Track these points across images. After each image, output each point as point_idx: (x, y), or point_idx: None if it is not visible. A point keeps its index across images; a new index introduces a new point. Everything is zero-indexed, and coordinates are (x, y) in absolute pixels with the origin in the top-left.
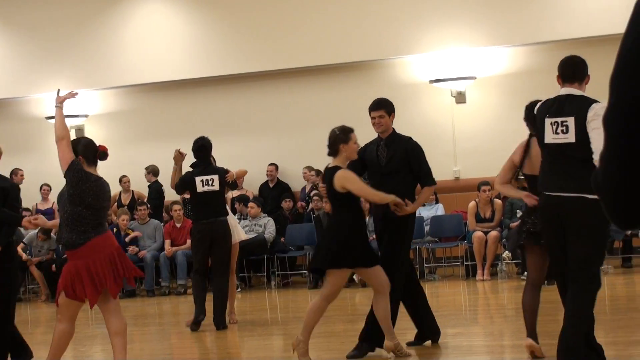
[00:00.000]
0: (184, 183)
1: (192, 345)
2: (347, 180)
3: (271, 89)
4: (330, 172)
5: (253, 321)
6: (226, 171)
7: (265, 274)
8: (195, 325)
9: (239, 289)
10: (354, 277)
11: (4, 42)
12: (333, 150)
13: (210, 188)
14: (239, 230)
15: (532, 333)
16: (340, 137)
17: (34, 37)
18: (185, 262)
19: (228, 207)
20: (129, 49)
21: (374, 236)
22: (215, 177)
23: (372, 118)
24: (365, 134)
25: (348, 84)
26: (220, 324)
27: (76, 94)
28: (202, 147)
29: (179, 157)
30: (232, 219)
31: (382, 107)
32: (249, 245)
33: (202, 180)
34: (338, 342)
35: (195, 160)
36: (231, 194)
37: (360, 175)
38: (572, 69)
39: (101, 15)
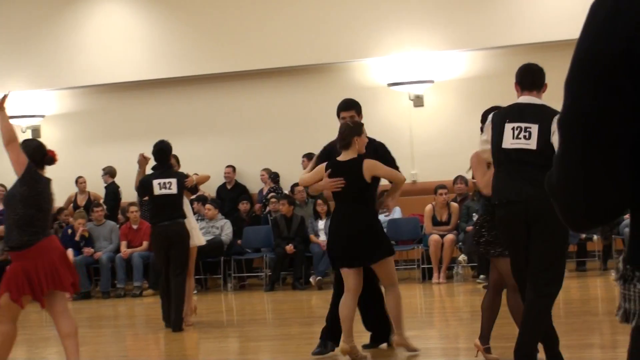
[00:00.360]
0: (142, 186)
1: (147, 347)
2: (377, 167)
3: (229, 90)
4: (353, 163)
5: (209, 323)
6: (186, 176)
7: (221, 276)
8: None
9: (195, 291)
10: (310, 279)
11: None
12: (345, 143)
13: (167, 191)
14: (199, 235)
15: (486, 335)
16: (355, 130)
17: None
18: (141, 264)
19: (190, 210)
20: (86, 49)
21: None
22: (173, 181)
23: (343, 118)
24: (322, 136)
25: (306, 87)
26: (177, 325)
27: (7, 94)
28: (161, 151)
29: (143, 160)
30: (192, 221)
31: (353, 108)
32: (205, 247)
33: (159, 184)
34: (294, 345)
35: (155, 163)
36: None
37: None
38: (532, 77)
39: (59, 15)
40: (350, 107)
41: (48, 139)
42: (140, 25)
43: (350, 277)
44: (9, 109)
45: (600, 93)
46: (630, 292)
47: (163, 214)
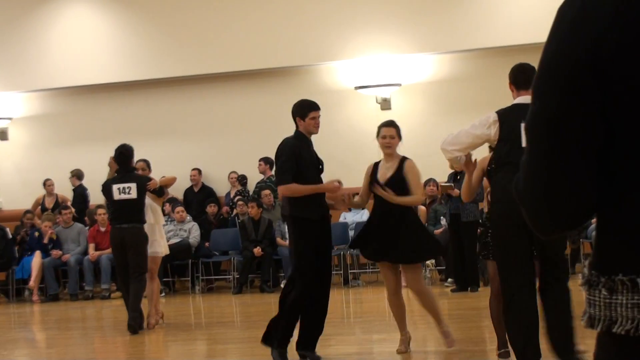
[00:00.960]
0: (103, 190)
1: (115, 349)
2: (415, 170)
3: (196, 93)
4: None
5: (177, 326)
6: (148, 179)
7: (189, 278)
8: (131, 327)
9: (163, 294)
10: (282, 284)
11: None
12: None
13: (127, 196)
14: (164, 244)
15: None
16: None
17: None
18: (109, 267)
19: (161, 217)
20: (54, 52)
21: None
22: (133, 186)
23: (313, 118)
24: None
25: (273, 90)
26: (133, 327)
27: None
28: (121, 155)
29: (113, 164)
30: (160, 231)
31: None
32: (173, 249)
33: (118, 188)
34: (262, 348)
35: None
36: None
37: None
38: (526, 76)
39: (26, 16)
40: (319, 107)
41: (15, 142)
42: (106, 28)
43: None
44: None
45: (567, 97)
46: (595, 298)
47: (122, 216)
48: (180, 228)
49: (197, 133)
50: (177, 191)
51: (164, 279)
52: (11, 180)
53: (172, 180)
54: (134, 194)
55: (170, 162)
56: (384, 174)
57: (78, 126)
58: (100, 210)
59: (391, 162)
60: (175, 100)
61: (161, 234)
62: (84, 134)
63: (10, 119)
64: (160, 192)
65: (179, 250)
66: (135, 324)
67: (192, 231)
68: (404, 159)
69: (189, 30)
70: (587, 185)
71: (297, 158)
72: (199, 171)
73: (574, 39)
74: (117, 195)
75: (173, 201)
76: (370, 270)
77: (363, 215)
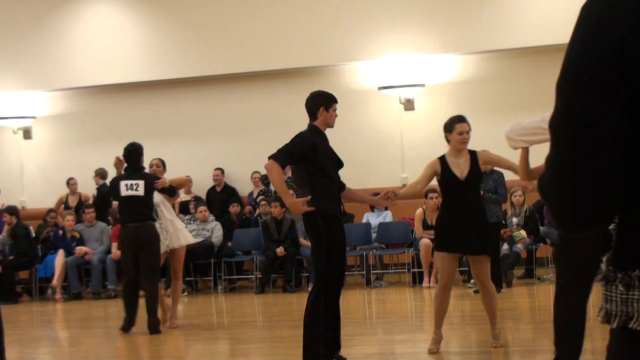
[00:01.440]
0: (110, 187)
1: (137, 348)
2: (490, 153)
3: (218, 93)
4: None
5: (199, 325)
6: (155, 177)
7: (212, 278)
8: (125, 330)
9: (185, 293)
10: (309, 287)
11: None
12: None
13: (134, 192)
14: (185, 234)
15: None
16: (446, 127)
17: None
18: None
19: (175, 212)
20: (77, 51)
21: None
22: (141, 182)
23: (335, 109)
24: None
25: (296, 90)
26: (154, 328)
27: None
28: (130, 153)
29: (119, 164)
30: (178, 222)
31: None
32: (196, 249)
33: (126, 185)
34: (284, 348)
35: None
36: (179, 200)
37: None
38: None
39: (50, 16)
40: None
41: (39, 141)
42: (129, 28)
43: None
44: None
45: (592, 95)
46: (611, 294)
47: (132, 214)
48: (203, 228)
49: (219, 133)
50: (199, 191)
51: (187, 279)
52: (35, 179)
53: (185, 181)
54: (141, 191)
55: (192, 161)
56: (461, 171)
57: (101, 125)
58: None
59: (462, 157)
60: (198, 100)
61: (181, 224)
62: (108, 132)
63: (34, 117)
64: (171, 191)
65: (201, 250)
66: (157, 324)
67: (215, 231)
68: (473, 152)
69: (211, 29)
70: (613, 185)
71: (314, 151)
72: (222, 171)
73: (598, 38)
74: (124, 192)
75: (198, 200)
76: (393, 271)
77: (387, 216)
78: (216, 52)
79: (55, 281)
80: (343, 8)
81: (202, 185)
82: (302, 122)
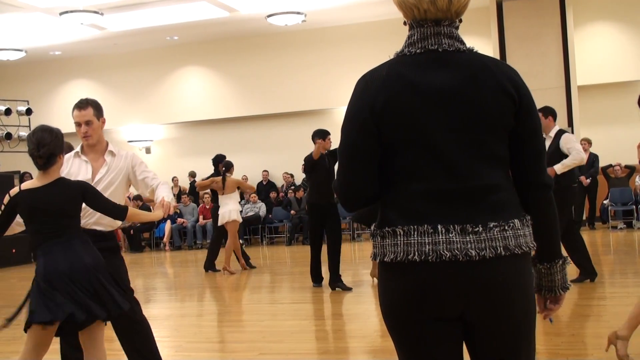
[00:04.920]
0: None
1: (216, 280)
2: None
3: (267, 125)
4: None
5: (251, 264)
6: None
7: (259, 236)
8: (206, 269)
9: (244, 244)
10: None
11: (100, 95)
12: None
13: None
14: (238, 215)
15: None
16: None
17: (119, 91)
18: (211, 229)
19: (237, 199)
20: (179, 99)
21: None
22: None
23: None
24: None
25: (315, 124)
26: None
27: None
28: (213, 161)
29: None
30: (236, 204)
31: None
32: (250, 219)
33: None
34: (306, 279)
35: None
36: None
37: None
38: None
39: (164, 76)
40: None
41: (155, 155)
42: (212, 84)
43: None
44: (130, 136)
45: (358, 133)
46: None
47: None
48: (254, 206)
49: (265, 149)
50: (253, 183)
51: (245, 237)
52: None
53: (209, 182)
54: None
55: (250, 166)
56: None
57: (194, 146)
58: (206, 195)
59: None
60: (252, 129)
61: (237, 207)
62: (196, 150)
63: (152, 140)
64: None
65: (253, 219)
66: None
67: (261, 208)
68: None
69: (266, 80)
70: (370, 184)
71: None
72: (267, 172)
73: (361, 102)
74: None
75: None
76: None
77: None
78: (267, 96)
79: (165, 239)
80: (376, 55)
81: (255, 181)
82: (310, 145)
